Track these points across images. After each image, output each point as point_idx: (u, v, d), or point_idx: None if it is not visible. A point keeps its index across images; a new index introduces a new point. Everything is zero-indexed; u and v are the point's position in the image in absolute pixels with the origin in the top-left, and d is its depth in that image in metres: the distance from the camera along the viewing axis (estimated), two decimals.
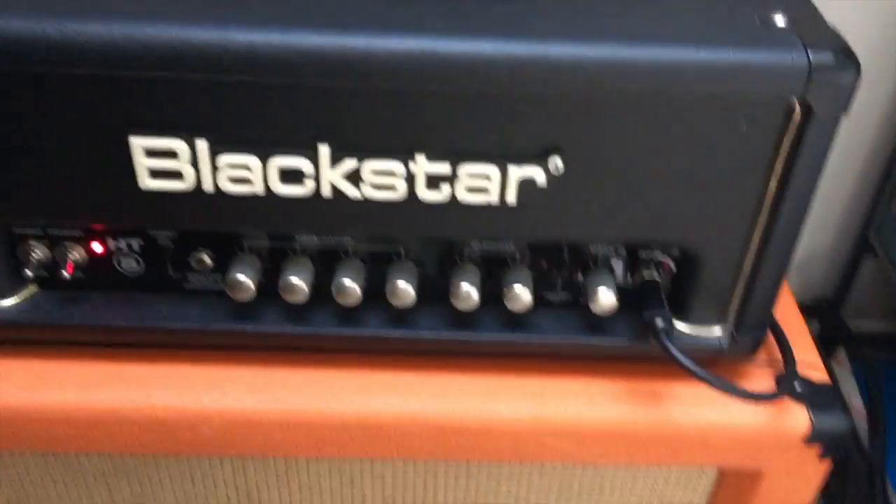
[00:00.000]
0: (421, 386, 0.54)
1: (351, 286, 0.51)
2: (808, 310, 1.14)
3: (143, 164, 0.45)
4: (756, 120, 0.45)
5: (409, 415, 0.54)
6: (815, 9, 0.47)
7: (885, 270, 1.03)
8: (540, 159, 0.46)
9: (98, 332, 0.53)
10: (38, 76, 0.42)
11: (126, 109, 0.44)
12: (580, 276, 0.53)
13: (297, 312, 0.53)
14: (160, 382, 0.53)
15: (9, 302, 0.52)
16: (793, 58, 0.43)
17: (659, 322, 0.51)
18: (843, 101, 0.44)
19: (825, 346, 1.14)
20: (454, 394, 0.54)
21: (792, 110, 0.44)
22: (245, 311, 0.53)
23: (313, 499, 0.61)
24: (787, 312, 0.61)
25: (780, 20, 0.45)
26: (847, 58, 0.43)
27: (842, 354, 1.10)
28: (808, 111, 0.44)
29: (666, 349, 0.50)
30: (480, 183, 0.46)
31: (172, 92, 0.43)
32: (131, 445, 0.54)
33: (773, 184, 0.47)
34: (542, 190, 0.47)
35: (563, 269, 0.53)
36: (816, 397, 0.55)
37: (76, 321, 0.52)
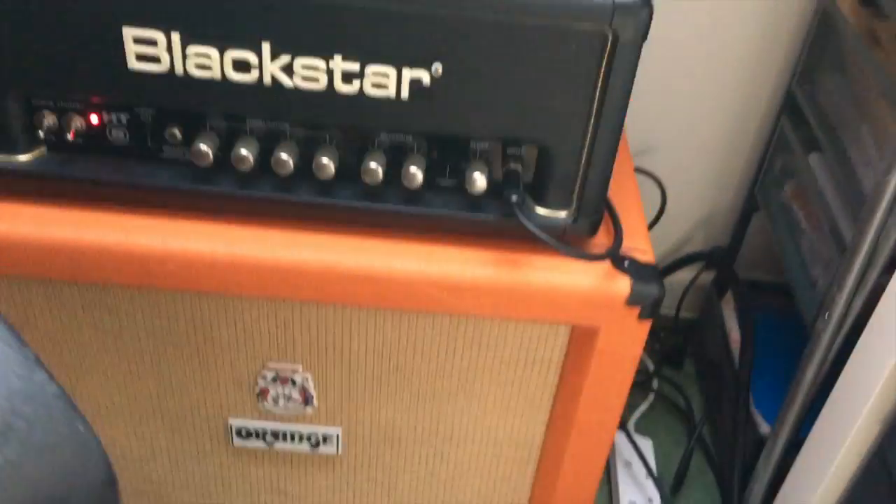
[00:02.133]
0: (338, 244, 0.71)
1: (286, 160, 0.67)
2: (707, 259, 1.32)
3: (131, 49, 0.62)
4: (583, 45, 0.62)
5: (327, 264, 0.70)
6: None
7: (767, 225, 1.20)
8: (425, 63, 0.62)
9: (90, 186, 0.69)
10: None
11: (119, 5, 0.60)
12: (463, 166, 0.70)
13: (245, 180, 0.69)
14: (138, 228, 0.70)
15: (24, 157, 0.68)
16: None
17: (514, 198, 0.67)
18: (641, 30, 0.61)
19: (718, 290, 1.32)
20: (363, 252, 0.71)
21: (606, 37, 0.61)
22: (205, 176, 0.69)
23: (255, 338, 0.77)
24: (633, 216, 0.78)
25: None
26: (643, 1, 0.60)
27: (729, 297, 1.28)
28: (615, 38, 0.61)
29: (517, 217, 0.67)
30: (381, 80, 0.63)
31: None
32: (113, 275, 0.70)
33: (598, 93, 0.64)
34: (427, 89, 0.63)
35: (449, 159, 0.70)
36: (638, 270, 0.72)
37: (75, 175, 0.69)
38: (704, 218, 1.33)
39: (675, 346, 1.34)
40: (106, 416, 0.84)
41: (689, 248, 1.35)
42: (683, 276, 1.32)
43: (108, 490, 0.35)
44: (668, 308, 1.36)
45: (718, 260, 1.32)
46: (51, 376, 0.36)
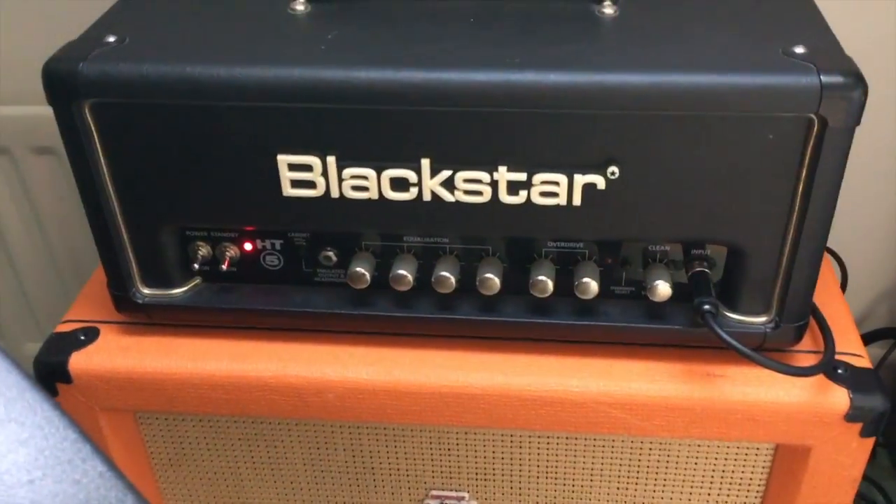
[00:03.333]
0: (506, 364, 0.65)
1: (447, 277, 0.62)
2: None
3: (286, 176, 0.58)
4: (783, 133, 0.54)
5: (496, 388, 0.64)
6: (833, 38, 0.56)
7: None
8: (599, 168, 0.56)
9: (246, 315, 0.66)
10: (208, 108, 0.56)
11: (274, 133, 0.57)
12: (641, 271, 0.63)
13: (403, 300, 0.64)
14: (293, 357, 0.66)
15: (179, 290, 0.66)
16: (807, 80, 0.52)
17: (707, 307, 0.59)
18: (853, 114, 0.52)
19: None
20: (534, 371, 0.64)
21: (812, 124, 0.53)
22: (362, 298, 0.65)
23: (416, 464, 0.71)
24: (836, 310, 0.68)
25: (799, 49, 0.54)
26: (856, 79, 0.52)
27: None
28: (823, 124, 0.53)
29: (711, 329, 0.59)
30: (551, 188, 0.57)
31: (310, 119, 0.56)
32: (270, 409, 0.66)
33: (800, 187, 0.56)
34: (601, 193, 0.57)
35: (626, 265, 0.63)
36: (855, 379, 0.62)
37: (230, 306, 0.65)
38: (889, 290, 1.19)
39: None
40: None
41: (874, 325, 1.21)
42: (871, 353, 1.18)
43: None
44: None
45: None
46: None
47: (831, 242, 1.08)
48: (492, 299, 0.64)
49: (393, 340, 0.66)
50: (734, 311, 0.62)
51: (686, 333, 0.63)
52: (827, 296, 0.70)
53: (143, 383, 0.65)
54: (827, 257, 1.05)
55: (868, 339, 1.17)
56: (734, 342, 0.58)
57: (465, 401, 0.64)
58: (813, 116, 0.53)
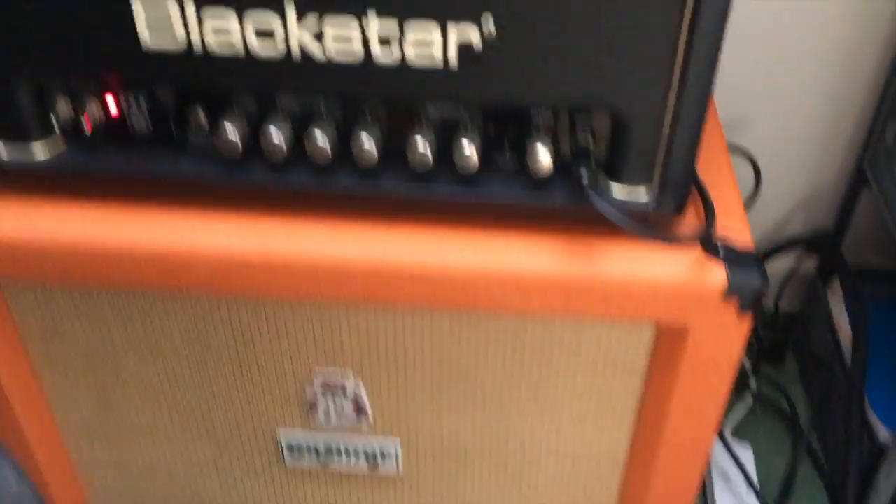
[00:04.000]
0: (384, 238, 0.63)
1: (323, 144, 0.59)
2: (810, 244, 1.18)
3: (142, 23, 0.54)
4: None
5: (373, 261, 0.62)
6: None
7: (879, 203, 1.07)
8: (474, 18, 0.53)
9: (112, 180, 0.63)
10: None
11: None
12: (524, 142, 0.61)
13: (277, 168, 0.62)
14: (163, 226, 0.63)
15: (42, 154, 0.62)
16: None
17: (585, 176, 0.58)
18: None
19: (823, 278, 1.18)
20: (413, 245, 0.62)
21: None
22: (235, 165, 0.62)
23: (298, 344, 0.70)
24: (726, 193, 0.67)
25: None
26: None
27: (836, 285, 1.15)
28: None
29: (587, 197, 0.57)
30: (425, 42, 0.54)
31: None
32: (139, 280, 0.63)
33: (681, 46, 0.53)
34: (478, 52, 0.54)
35: (508, 134, 0.61)
36: (734, 257, 0.61)
37: (95, 169, 0.62)
38: (805, 198, 1.20)
39: (775, 342, 1.21)
40: (149, 433, 0.78)
41: (789, 233, 1.22)
42: (783, 264, 1.19)
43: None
44: (765, 300, 1.23)
45: (822, 244, 1.18)
46: None
47: (747, 144, 1.08)
48: (369, 169, 0.61)
49: (268, 211, 0.64)
50: (617, 181, 0.61)
51: (567, 207, 0.61)
52: (721, 184, 0.68)
53: (3, 249, 0.62)
54: (741, 160, 1.05)
55: (784, 247, 1.17)
56: (609, 210, 0.57)
57: (342, 274, 0.62)
58: None
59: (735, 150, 1.04)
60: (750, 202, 1.05)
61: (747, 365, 1.19)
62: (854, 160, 1.13)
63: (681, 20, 0.52)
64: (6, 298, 0.68)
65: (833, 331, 1.12)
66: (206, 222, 0.63)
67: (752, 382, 1.17)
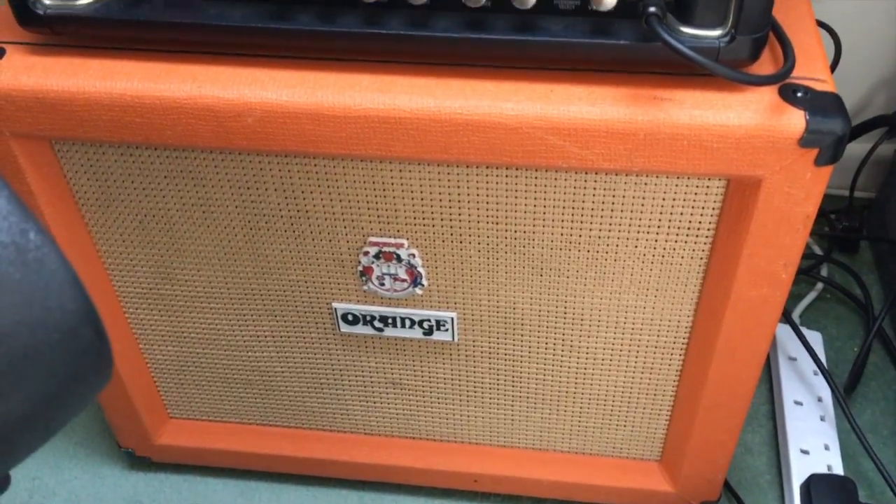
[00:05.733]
0: (436, 87, 0.60)
1: None
2: (890, 125, 1.11)
3: None
4: None
5: (425, 111, 0.59)
6: None
7: None
8: None
9: (157, 29, 0.61)
10: None
11: None
12: None
13: (326, 13, 0.59)
14: (209, 78, 0.61)
15: (84, 1, 0.60)
16: None
17: (653, 9, 0.53)
18: None
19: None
20: (467, 94, 0.59)
21: None
22: (282, 12, 0.59)
23: (352, 209, 0.68)
24: (807, 38, 0.62)
25: None
26: None
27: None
28: None
29: (656, 33, 0.53)
30: None
31: None
32: (188, 135, 0.62)
33: None
34: None
35: None
36: (814, 102, 0.57)
37: (139, 17, 0.60)
38: (887, 77, 1.12)
39: (849, 228, 1.16)
40: (206, 299, 0.78)
41: (867, 115, 1.15)
42: (860, 147, 1.12)
43: (80, 322, 0.26)
44: (840, 186, 1.17)
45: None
46: None
47: (827, 18, 1.01)
48: (421, 12, 0.58)
49: (316, 62, 0.61)
50: (688, 24, 0.56)
51: (633, 50, 0.57)
52: (803, 31, 0.63)
53: (52, 103, 0.61)
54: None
55: (862, 128, 1.11)
56: (679, 44, 0.52)
57: (393, 126, 0.60)
58: None
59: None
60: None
61: (819, 251, 1.14)
62: None
63: None
64: (59, 159, 0.68)
65: None
66: (254, 73, 0.61)
67: (824, 269, 1.12)
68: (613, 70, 0.60)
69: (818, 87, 0.58)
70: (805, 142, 0.57)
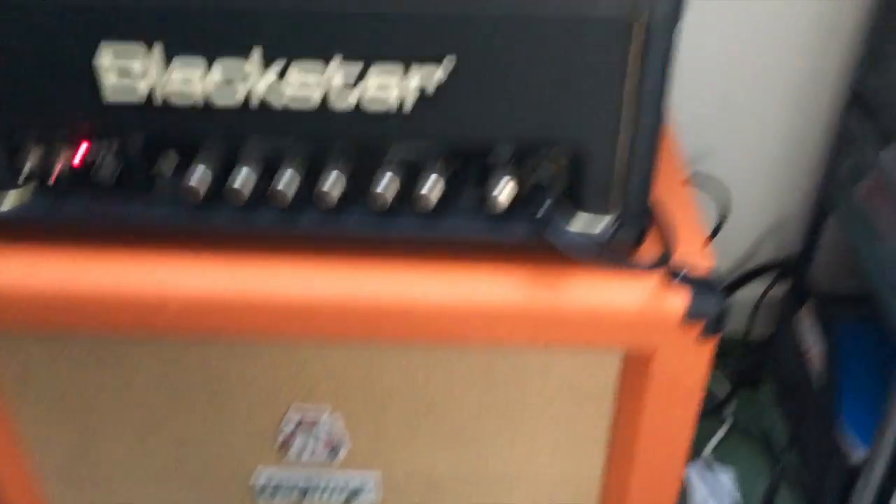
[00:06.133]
0: (349, 275, 0.64)
1: (285, 188, 0.60)
2: (780, 270, 1.21)
3: (108, 75, 0.56)
4: (606, 33, 0.54)
5: (340, 297, 0.63)
6: None
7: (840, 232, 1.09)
8: (432, 64, 0.55)
9: (79, 226, 0.64)
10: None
11: (93, 24, 0.54)
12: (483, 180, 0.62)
13: (243, 210, 0.63)
14: (132, 270, 0.64)
15: (7, 203, 0.63)
16: None
17: (541, 213, 0.59)
18: (670, 13, 0.52)
19: (793, 304, 1.20)
20: (378, 282, 0.64)
21: (631, 24, 0.53)
22: (201, 208, 0.63)
23: (271, 383, 0.70)
24: (686, 221, 0.69)
25: None
26: None
27: (806, 310, 1.16)
28: (644, 23, 0.52)
29: (550, 236, 0.59)
30: (384, 85, 0.56)
31: (132, 6, 0.54)
32: (109, 325, 0.64)
33: (629, 86, 0.56)
34: (435, 93, 0.56)
35: (467, 170, 0.62)
36: (695, 281, 0.63)
37: (61, 217, 0.63)
38: (772, 225, 1.22)
39: (749, 366, 1.23)
40: (123, 478, 0.78)
41: (758, 260, 1.24)
42: (753, 290, 1.21)
43: None
44: (738, 326, 1.25)
45: (791, 270, 1.20)
46: None
47: (715, 173, 1.11)
48: (334, 209, 0.62)
49: (234, 253, 0.65)
50: (581, 210, 0.62)
51: (528, 239, 0.62)
52: (682, 214, 0.70)
53: None
54: (709, 187, 1.07)
55: (753, 274, 1.20)
56: (564, 244, 0.58)
57: (311, 312, 0.63)
58: (634, 18, 0.53)
59: (703, 178, 1.06)
60: (718, 229, 1.07)
61: (724, 389, 1.20)
62: (817, 190, 1.15)
63: (625, 59, 0.54)
64: None
65: (805, 354, 1.14)
66: (173, 265, 0.64)
67: (730, 407, 1.18)
68: (514, 253, 0.65)
69: (696, 267, 0.64)
70: (688, 318, 0.62)
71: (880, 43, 0.99)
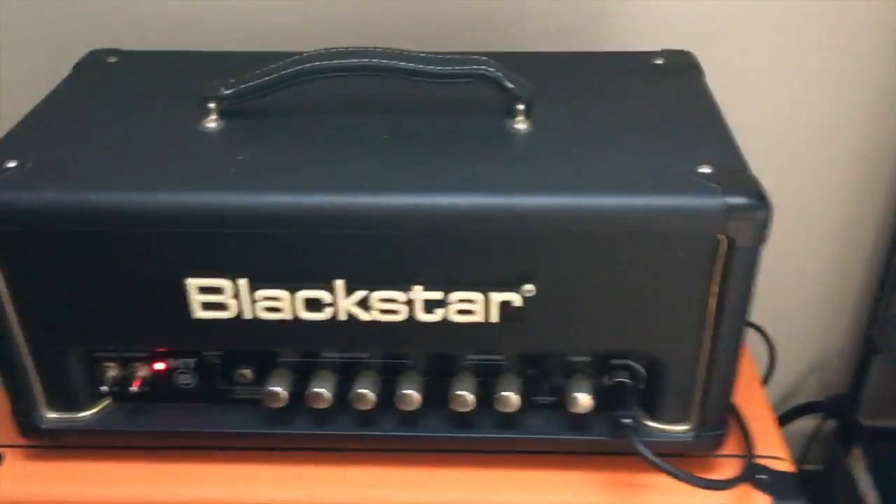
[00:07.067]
0: (427, 480, 0.63)
1: (366, 394, 0.60)
2: (825, 409, 1.19)
3: (196, 299, 0.57)
4: (693, 251, 0.54)
5: (419, 503, 0.62)
6: (739, 157, 0.57)
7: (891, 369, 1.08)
8: (514, 286, 0.56)
9: (158, 436, 0.64)
10: (113, 234, 0.55)
11: (182, 257, 0.55)
12: (563, 382, 0.62)
13: (322, 417, 0.63)
14: (208, 479, 0.63)
15: (87, 414, 0.63)
16: (713, 202, 0.52)
17: (627, 421, 0.59)
18: (758, 234, 0.53)
19: (842, 442, 1.18)
20: (456, 486, 0.63)
21: (719, 242, 0.54)
22: (279, 416, 0.63)
23: None
24: (757, 408, 0.69)
25: (705, 169, 0.55)
26: (759, 199, 0.53)
27: (857, 450, 1.15)
28: (731, 243, 0.53)
29: (631, 444, 0.58)
30: (467, 306, 0.56)
31: (219, 243, 0.55)
32: None
33: (712, 301, 0.56)
34: (518, 309, 0.56)
35: (547, 376, 0.62)
36: (778, 485, 0.62)
37: (140, 428, 0.63)
38: (818, 362, 1.21)
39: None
40: None
41: (806, 396, 1.23)
42: (805, 424, 1.19)
43: None
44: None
45: (838, 409, 1.19)
46: None
47: (758, 316, 1.11)
48: (412, 414, 0.62)
49: (312, 458, 0.64)
50: (656, 420, 0.62)
51: (609, 444, 0.62)
52: (748, 393, 0.70)
53: None
54: (753, 340, 1.07)
55: (798, 412, 1.18)
56: (652, 456, 0.58)
57: None
58: (720, 236, 0.53)
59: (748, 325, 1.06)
60: (768, 376, 1.07)
61: None
62: (862, 329, 1.15)
63: (711, 276, 0.55)
64: None
65: (856, 491, 1.11)
66: (251, 472, 0.64)
67: None
68: (591, 455, 0.65)
69: (778, 466, 0.64)
70: None
71: None
